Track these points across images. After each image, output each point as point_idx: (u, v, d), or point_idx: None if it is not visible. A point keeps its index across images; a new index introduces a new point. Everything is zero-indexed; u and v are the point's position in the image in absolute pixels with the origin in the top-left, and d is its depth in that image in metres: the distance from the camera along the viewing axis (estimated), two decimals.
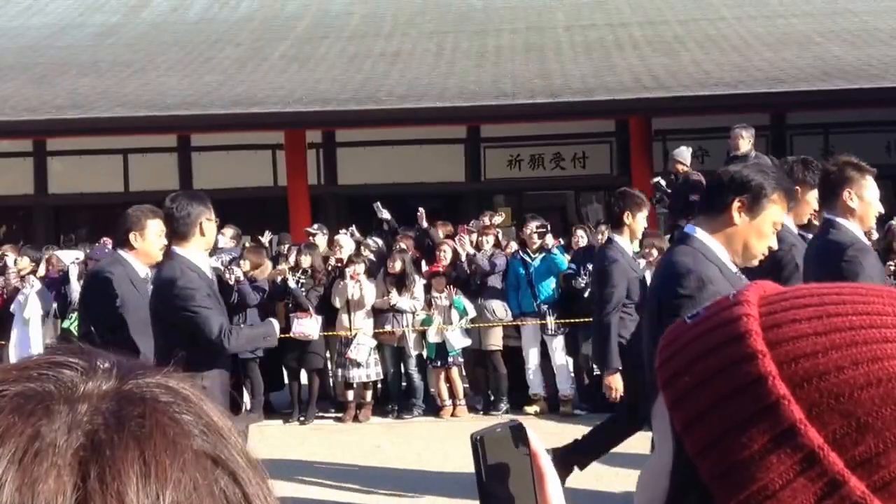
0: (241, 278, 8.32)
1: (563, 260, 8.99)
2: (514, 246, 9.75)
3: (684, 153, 10.29)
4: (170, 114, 13.04)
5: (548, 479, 0.83)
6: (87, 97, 14.08)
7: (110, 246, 10.08)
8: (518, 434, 0.82)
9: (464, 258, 9.07)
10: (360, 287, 8.79)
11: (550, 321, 8.84)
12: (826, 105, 13.01)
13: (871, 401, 0.59)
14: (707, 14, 17.15)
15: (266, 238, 10.89)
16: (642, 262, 7.75)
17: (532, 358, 8.94)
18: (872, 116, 13.76)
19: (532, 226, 9.04)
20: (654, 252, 8.24)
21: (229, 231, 9.96)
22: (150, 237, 4.75)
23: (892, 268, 7.63)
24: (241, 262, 8.88)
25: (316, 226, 10.58)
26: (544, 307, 8.86)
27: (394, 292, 8.83)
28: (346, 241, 9.74)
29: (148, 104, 13.50)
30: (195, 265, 4.42)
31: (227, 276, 8.05)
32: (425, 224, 10.23)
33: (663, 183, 10.53)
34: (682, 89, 12.94)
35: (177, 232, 4.44)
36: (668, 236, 9.94)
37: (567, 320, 8.81)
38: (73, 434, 0.50)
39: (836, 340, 0.62)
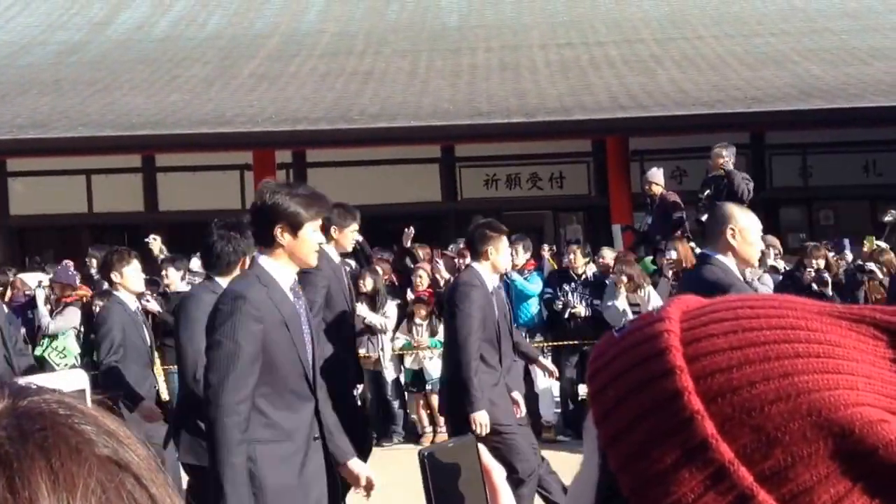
0: None
1: (527, 286, 8.74)
2: None
3: (657, 175, 10.21)
4: (134, 133, 12.71)
5: (501, 495, 0.83)
6: (49, 116, 13.69)
7: (73, 268, 9.63)
8: (469, 450, 0.80)
9: (442, 284, 8.79)
10: None
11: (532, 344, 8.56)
12: (805, 125, 12.93)
13: (780, 415, 0.60)
14: (684, 33, 17.05)
15: None
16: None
17: None
18: (851, 136, 13.68)
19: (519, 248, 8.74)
20: (624, 278, 8.06)
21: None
22: None
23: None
24: None
25: None
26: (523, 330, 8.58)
27: (364, 306, 8.49)
28: None
29: (112, 124, 13.13)
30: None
31: None
32: (409, 244, 9.88)
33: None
34: (660, 109, 12.77)
35: None
36: (650, 258, 9.68)
37: (551, 343, 8.61)
38: None
39: (750, 355, 0.62)
